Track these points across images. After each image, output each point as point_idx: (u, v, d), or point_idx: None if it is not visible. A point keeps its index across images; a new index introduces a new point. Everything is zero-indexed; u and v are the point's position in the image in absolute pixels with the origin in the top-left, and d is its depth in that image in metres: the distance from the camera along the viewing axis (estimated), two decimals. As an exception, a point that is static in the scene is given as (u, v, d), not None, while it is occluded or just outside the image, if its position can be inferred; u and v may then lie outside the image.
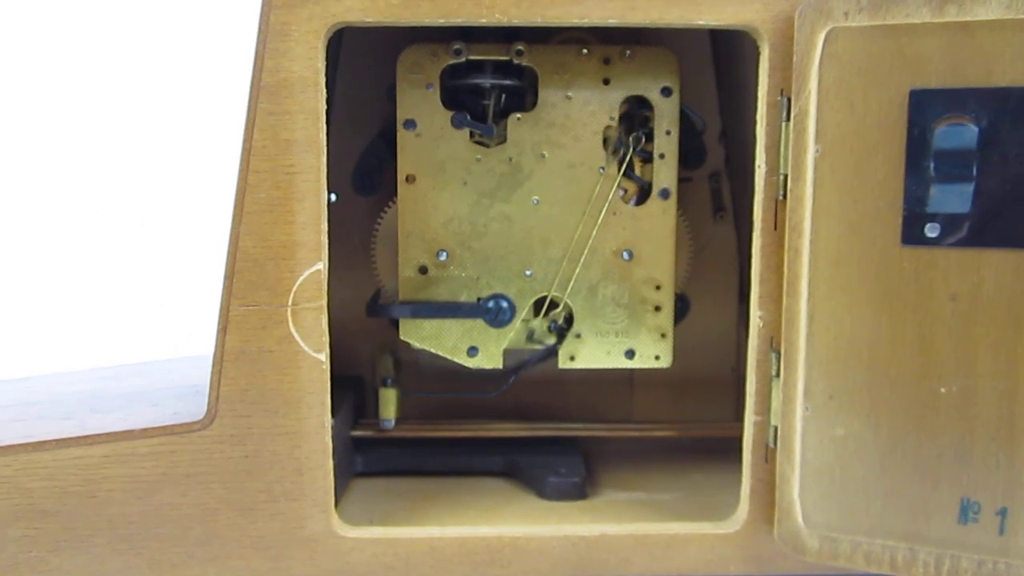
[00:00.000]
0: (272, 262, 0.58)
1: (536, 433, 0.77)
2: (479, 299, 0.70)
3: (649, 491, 0.71)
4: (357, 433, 0.75)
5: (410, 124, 0.69)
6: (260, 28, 0.56)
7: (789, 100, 0.57)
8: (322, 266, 0.59)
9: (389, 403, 0.74)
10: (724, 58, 0.78)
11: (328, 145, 0.58)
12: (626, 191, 0.70)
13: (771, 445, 0.60)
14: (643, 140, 0.69)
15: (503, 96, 0.69)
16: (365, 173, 0.76)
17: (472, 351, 0.71)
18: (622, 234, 0.70)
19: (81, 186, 1.26)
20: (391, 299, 0.73)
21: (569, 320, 0.72)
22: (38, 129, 1.25)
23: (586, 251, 0.70)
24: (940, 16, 0.53)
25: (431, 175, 0.69)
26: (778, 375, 0.59)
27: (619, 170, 0.70)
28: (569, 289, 0.71)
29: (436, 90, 0.69)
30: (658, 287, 0.71)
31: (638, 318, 0.71)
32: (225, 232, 0.58)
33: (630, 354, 0.72)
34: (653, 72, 0.69)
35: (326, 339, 0.59)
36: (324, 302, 0.59)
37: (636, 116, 0.70)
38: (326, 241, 0.59)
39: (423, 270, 0.70)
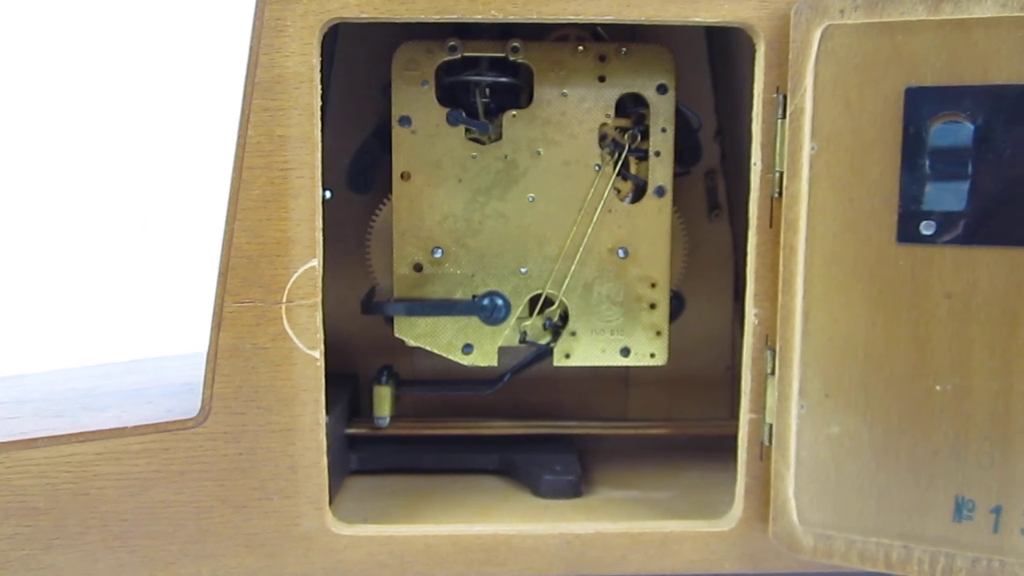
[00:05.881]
0: (266, 259, 0.58)
1: (531, 431, 0.77)
2: (474, 296, 0.70)
3: (644, 489, 0.71)
4: (351, 430, 0.75)
5: (405, 121, 0.69)
6: (255, 24, 0.56)
7: (785, 97, 0.57)
8: (317, 263, 0.58)
9: (384, 400, 0.74)
10: (720, 55, 0.78)
11: (323, 142, 0.58)
12: (621, 189, 0.70)
13: (766, 443, 0.60)
14: (639, 138, 0.69)
15: (499, 93, 0.69)
16: (360, 170, 0.75)
17: (467, 349, 0.71)
18: (617, 232, 0.70)
19: (79, 184, 1.26)
20: (386, 296, 0.72)
21: (564, 318, 0.72)
22: (37, 130, 1.25)
23: (581, 249, 0.70)
24: (936, 14, 0.53)
25: (426, 172, 0.69)
26: (773, 373, 0.59)
27: (615, 168, 0.70)
28: (564, 287, 0.71)
29: (431, 87, 0.68)
30: (653, 285, 0.71)
31: (633, 316, 0.71)
32: (221, 230, 0.58)
33: (625, 352, 0.72)
34: (649, 69, 0.69)
35: (320, 336, 0.59)
36: (319, 299, 0.59)
37: (632, 113, 0.70)
38: (321, 238, 0.58)
39: (418, 267, 0.70)
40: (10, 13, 1.23)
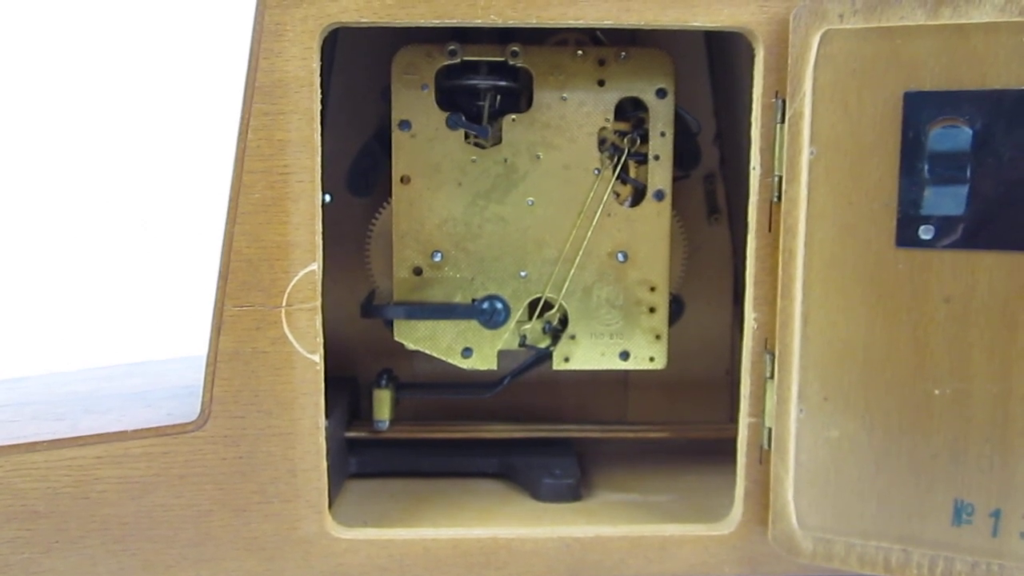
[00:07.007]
0: (266, 263, 0.58)
1: (531, 434, 0.77)
2: (474, 300, 0.70)
3: (643, 493, 0.71)
4: (351, 434, 0.75)
5: (405, 125, 0.69)
6: (255, 28, 0.56)
7: (784, 102, 0.57)
8: (316, 267, 0.58)
9: (383, 404, 0.74)
10: (719, 60, 0.78)
11: (323, 145, 0.58)
12: (620, 193, 0.70)
13: (765, 447, 0.60)
14: (638, 142, 0.69)
15: (498, 97, 0.69)
16: (360, 174, 0.75)
17: (467, 352, 0.71)
18: (617, 236, 0.70)
19: (79, 185, 1.26)
20: (385, 300, 0.73)
21: (564, 321, 0.72)
22: (38, 131, 1.25)
23: (581, 252, 0.70)
24: (934, 18, 0.53)
25: (426, 176, 0.69)
26: (772, 377, 0.59)
27: (614, 171, 0.70)
28: (564, 290, 0.71)
29: (431, 91, 0.68)
30: (653, 289, 0.71)
31: (633, 320, 0.71)
32: (221, 232, 0.58)
33: (625, 356, 0.72)
34: (648, 74, 0.69)
35: (320, 340, 0.59)
36: (318, 303, 0.59)
37: (631, 117, 0.70)
38: (320, 242, 0.58)
39: (418, 271, 0.70)
40: (10, 13, 1.23)
